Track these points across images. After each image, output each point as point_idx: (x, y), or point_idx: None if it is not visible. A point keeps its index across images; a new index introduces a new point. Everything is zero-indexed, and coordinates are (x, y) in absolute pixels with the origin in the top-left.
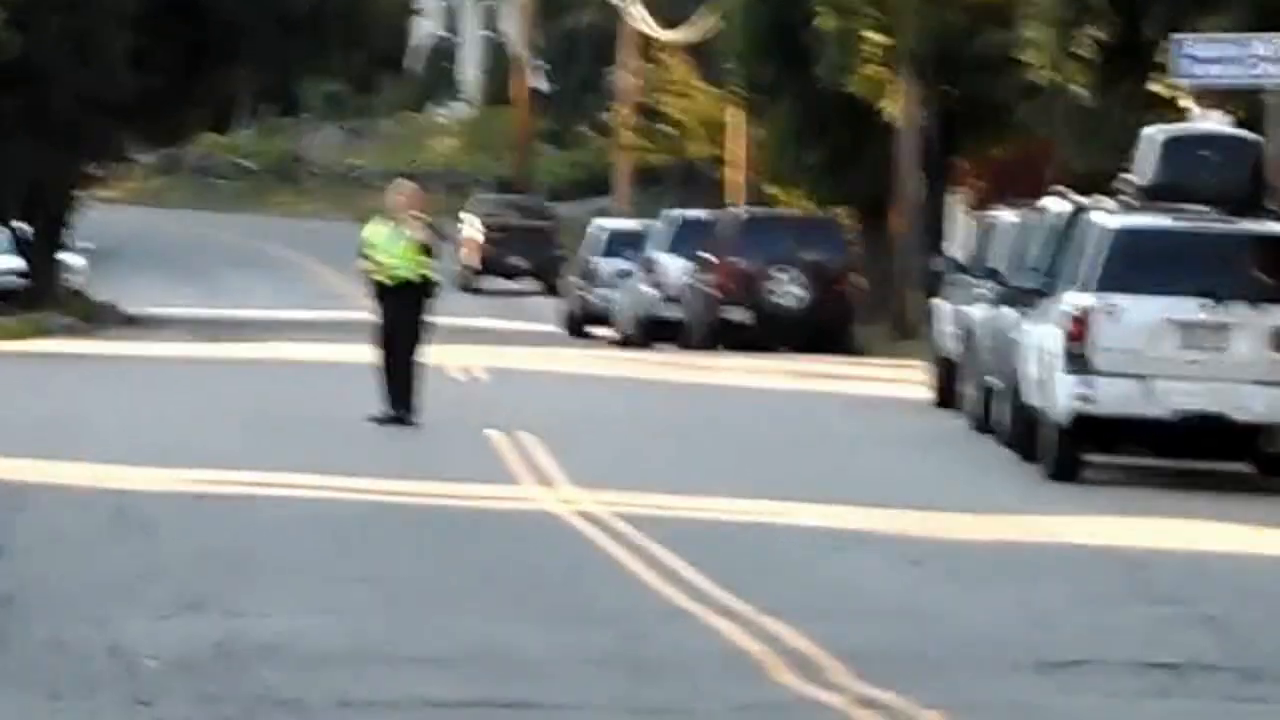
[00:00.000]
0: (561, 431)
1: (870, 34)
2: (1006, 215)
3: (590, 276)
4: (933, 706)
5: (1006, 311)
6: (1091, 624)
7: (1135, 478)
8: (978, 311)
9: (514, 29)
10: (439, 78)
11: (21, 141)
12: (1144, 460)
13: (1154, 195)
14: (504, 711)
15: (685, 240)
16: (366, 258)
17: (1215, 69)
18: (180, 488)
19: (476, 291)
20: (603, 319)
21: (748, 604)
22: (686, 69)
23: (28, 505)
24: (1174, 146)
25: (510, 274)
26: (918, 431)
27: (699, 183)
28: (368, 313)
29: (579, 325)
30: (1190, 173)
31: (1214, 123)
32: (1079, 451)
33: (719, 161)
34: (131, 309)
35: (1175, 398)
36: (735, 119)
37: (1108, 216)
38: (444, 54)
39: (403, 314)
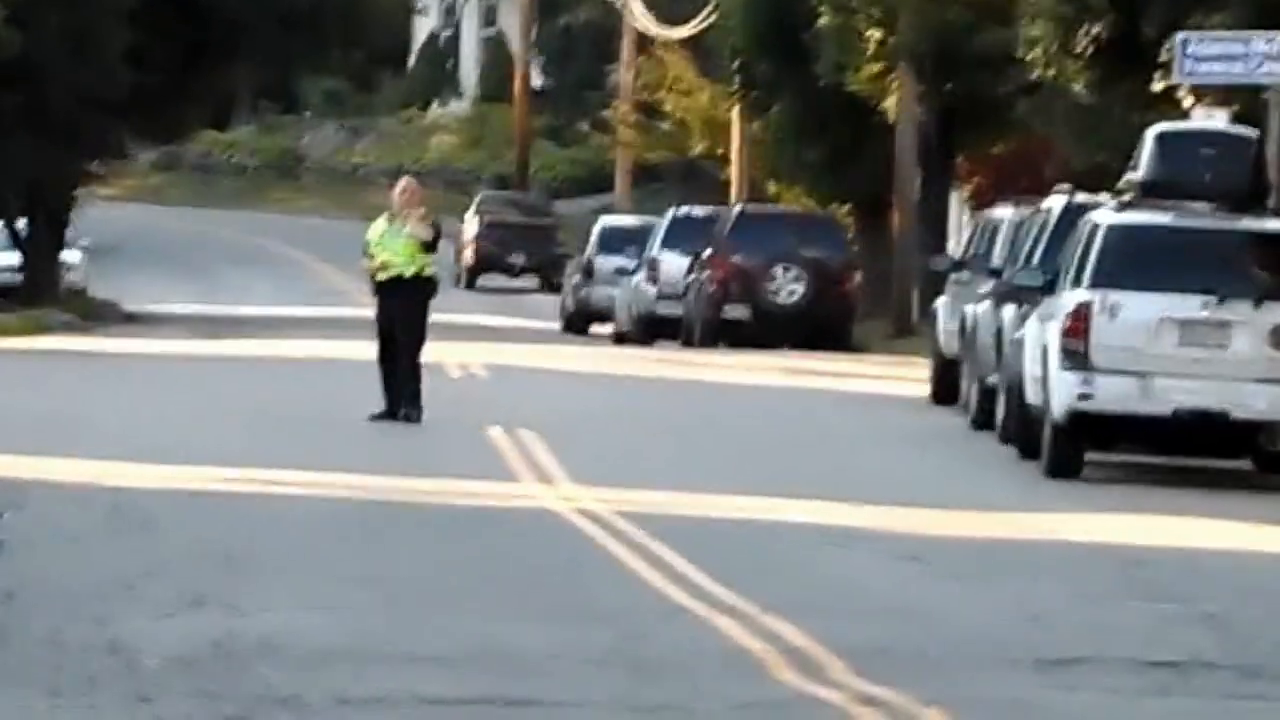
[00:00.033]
0: (561, 429)
1: (870, 31)
2: (1007, 213)
3: (590, 274)
4: (932, 704)
5: (1006, 309)
6: (1090, 621)
7: (1134, 475)
8: (977, 309)
9: (513, 26)
10: (439, 75)
11: (21, 139)
12: (1143, 458)
13: (1153, 192)
14: (504, 709)
15: (685, 237)
16: (368, 255)
17: (1216, 67)
18: (180, 485)
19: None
20: (603, 316)
21: (748, 602)
22: (686, 66)
23: (27, 502)
24: (1173, 143)
25: (511, 271)
26: (917, 429)
27: (700, 180)
28: (368, 310)
29: (579, 323)
30: (1190, 170)
31: (1217, 121)
32: (1078, 449)
33: (720, 159)
34: (131, 306)
35: (1175, 395)
36: (738, 116)
37: (1108, 214)
38: (444, 51)
39: (402, 311)
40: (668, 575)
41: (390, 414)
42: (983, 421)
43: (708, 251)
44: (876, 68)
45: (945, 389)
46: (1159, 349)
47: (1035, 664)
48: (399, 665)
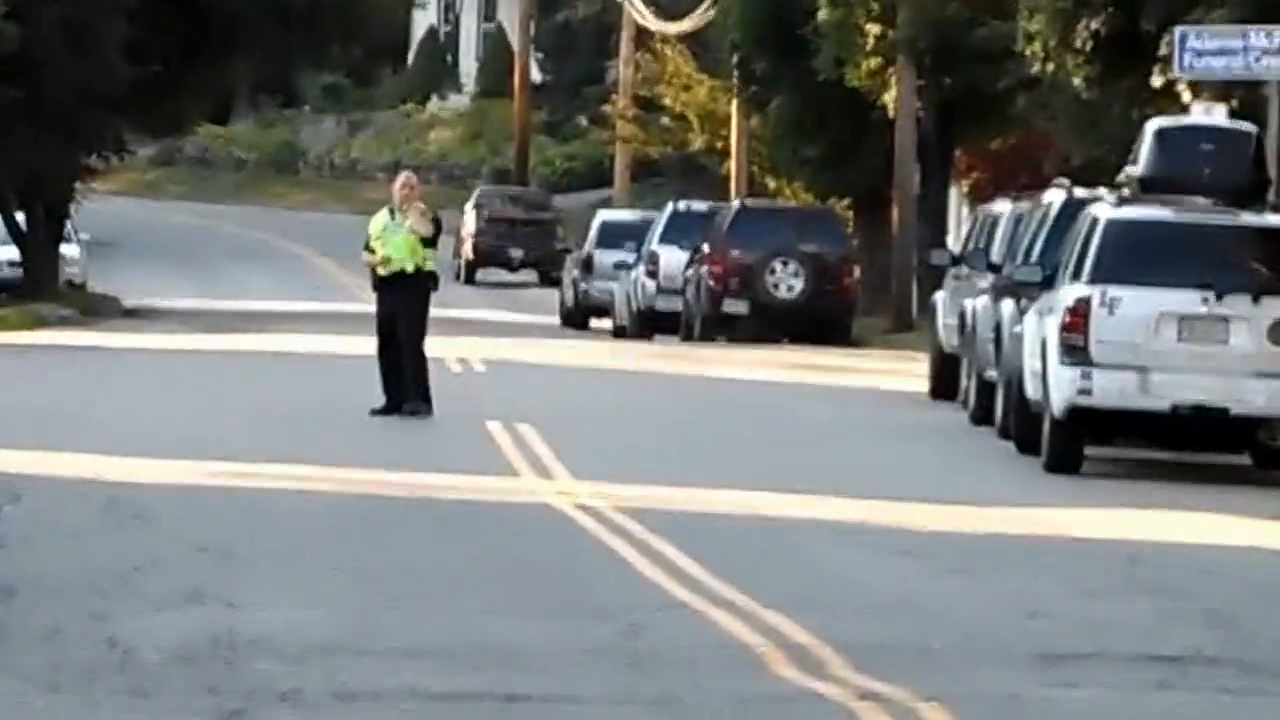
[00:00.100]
0: (560, 423)
1: (869, 26)
2: (1006, 207)
3: (589, 268)
4: (932, 699)
5: (1005, 304)
6: (1090, 617)
7: (1134, 471)
8: (976, 304)
9: (512, 20)
10: (438, 70)
11: (20, 134)
12: (1142, 453)
13: (1152, 187)
14: (503, 704)
15: (684, 232)
16: (369, 249)
17: (1215, 61)
18: (178, 480)
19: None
20: (602, 311)
21: (747, 596)
22: (685, 61)
23: (25, 497)
24: (1172, 139)
25: (510, 266)
26: (916, 424)
27: (699, 175)
28: (368, 305)
29: (578, 317)
30: (1189, 165)
31: (1216, 116)
32: (1078, 444)
33: (719, 154)
34: (130, 301)
35: (1174, 390)
36: (737, 111)
37: (1107, 208)
38: (443, 46)
39: (402, 306)
40: (666, 570)
41: (390, 409)
42: (982, 416)
43: (707, 246)
44: (876, 62)
45: (944, 384)
46: (1158, 344)
47: (1035, 659)
48: (397, 660)
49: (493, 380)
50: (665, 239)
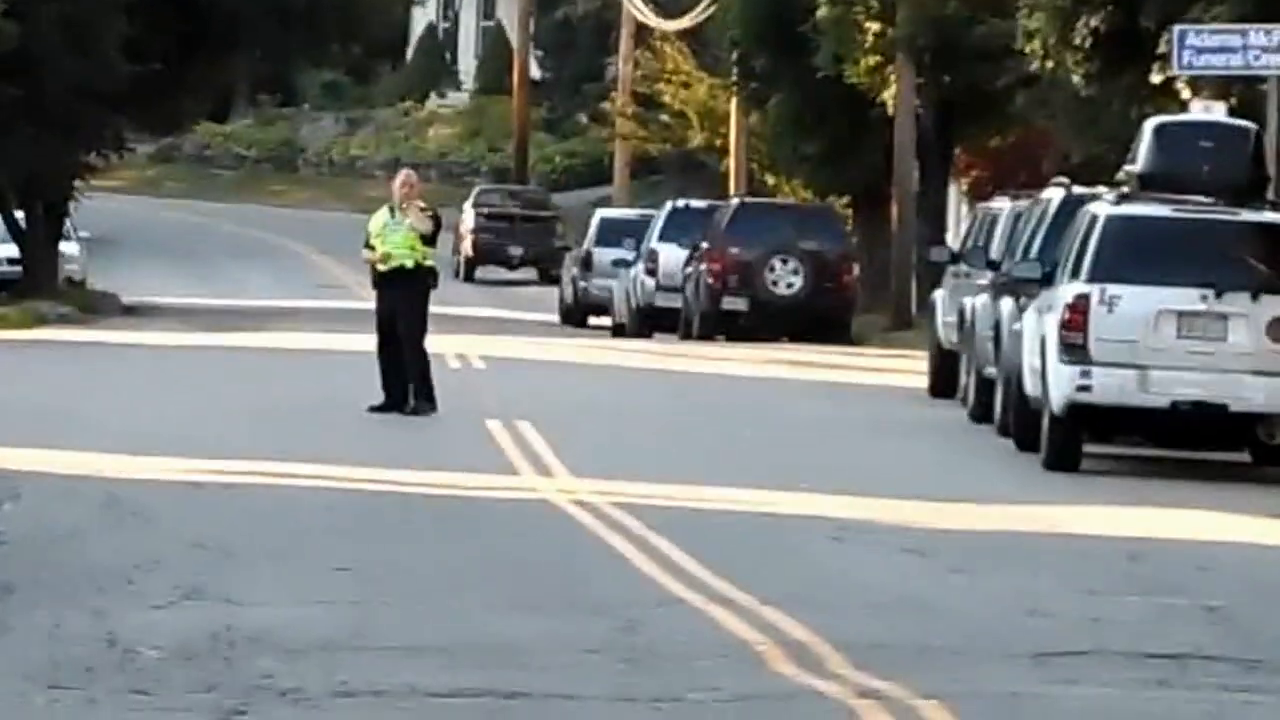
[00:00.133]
0: (559, 421)
1: (868, 23)
2: (1005, 205)
3: (588, 266)
4: (931, 697)
5: (1005, 301)
6: (1089, 614)
7: (1133, 468)
8: (976, 301)
9: (511, 17)
10: (437, 67)
11: (19, 131)
12: (1142, 450)
13: (1151, 184)
14: (502, 701)
15: (683, 229)
16: (369, 246)
17: (1214, 59)
18: (177, 477)
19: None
20: (601, 309)
21: (746, 594)
22: (684, 58)
23: (25, 494)
24: (1171, 136)
25: (509, 263)
26: (915, 421)
27: (698, 172)
28: (367, 302)
29: (577, 315)
30: (1188, 162)
31: (1215, 113)
32: (1077, 441)
33: (718, 151)
34: (129, 298)
35: (1173, 388)
36: (736, 108)
37: (1106, 206)
38: (442, 43)
39: (402, 303)
40: (665, 567)
41: (388, 406)
42: (981, 414)
43: (706, 244)
44: (875, 60)
45: (943, 381)
46: (1157, 341)
47: (1034, 657)
48: (397, 657)
49: (492, 378)
50: (664, 236)
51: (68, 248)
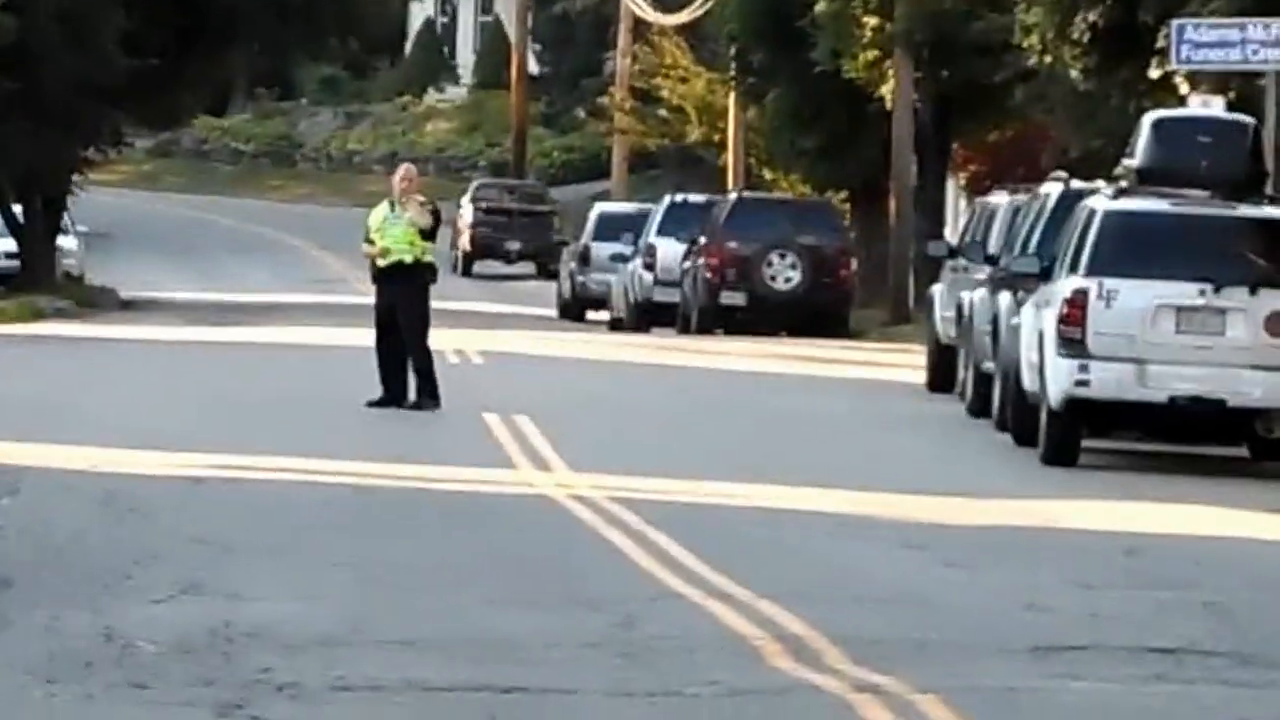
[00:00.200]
0: (557, 415)
1: (866, 18)
2: (1003, 199)
3: (586, 260)
4: (928, 691)
5: (1003, 296)
6: (1087, 609)
7: (1131, 462)
8: (974, 296)
9: (509, 12)
10: (435, 61)
11: (17, 126)
12: (1140, 445)
13: (1150, 179)
14: (499, 696)
15: (682, 224)
16: (369, 241)
17: (1212, 53)
18: (175, 472)
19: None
20: (599, 303)
21: (743, 588)
22: (682, 52)
23: (23, 489)
24: (1170, 130)
25: (507, 258)
26: (913, 416)
27: (696, 167)
28: (366, 297)
29: (575, 309)
30: (1186, 157)
31: (1213, 107)
32: (1075, 436)
33: (716, 146)
34: (127, 293)
35: (1171, 382)
36: (735, 103)
37: (1104, 201)
38: (440, 38)
39: (402, 299)
40: (663, 561)
41: (387, 401)
42: (979, 408)
43: (704, 238)
44: (873, 54)
45: (941, 376)
46: (1155, 336)
47: (1032, 651)
48: (395, 652)
49: (490, 372)
50: (662, 231)
51: (66, 242)
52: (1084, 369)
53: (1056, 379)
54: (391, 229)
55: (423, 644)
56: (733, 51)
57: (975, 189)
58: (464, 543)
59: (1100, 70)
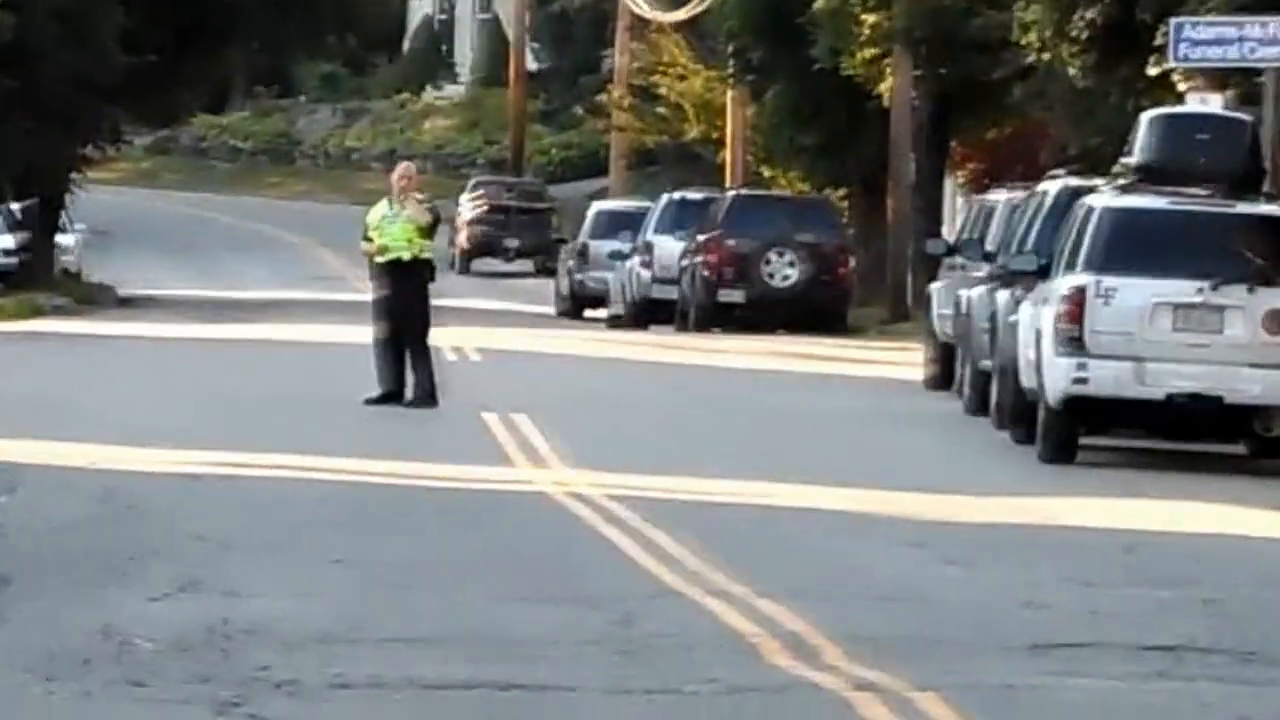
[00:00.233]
0: (556, 413)
1: (865, 15)
2: (1002, 197)
3: (585, 258)
4: (927, 688)
5: (1001, 293)
6: (1086, 606)
7: (1129, 460)
8: (972, 294)
9: (508, 9)
10: (434, 59)
11: (15, 123)
12: (1138, 442)
13: (1148, 176)
14: (498, 693)
15: (680, 221)
16: (367, 238)
17: (1210, 51)
18: (174, 469)
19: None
20: (598, 301)
21: (742, 586)
22: (681, 50)
23: (21, 486)
24: (1168, 128)
25: (506, 255)
26: (911, 413)
27: (695, 164)
28: (365, 294)
29: (573, 307)
30: (1185, 154)
31: (1212, 105)
32: (1073, 433)
33: (715, 143)
34: (126, 290)
35: (1169, 380)
36: (733, 100)
37: (1103, 198)
38: (439, 35)
39: (401, 297)
40: (662, 559)
41: (385, 398)
42: (977, 406)
43: (703, 235)
44: (872, 51)
45: (940, 373)
46: (1154, 333)
47: (1031, 648)
48: (394, 649)
49: (488, 370)
50: (661, 228)
51: (64, 239)
52: (1082, 367)
53: (1055, 377)
54: (390, 227)
55: (421, 641)
56: (731, 49)
57: (974, 186)
58: (462, 540)
59: (1099, 68)
